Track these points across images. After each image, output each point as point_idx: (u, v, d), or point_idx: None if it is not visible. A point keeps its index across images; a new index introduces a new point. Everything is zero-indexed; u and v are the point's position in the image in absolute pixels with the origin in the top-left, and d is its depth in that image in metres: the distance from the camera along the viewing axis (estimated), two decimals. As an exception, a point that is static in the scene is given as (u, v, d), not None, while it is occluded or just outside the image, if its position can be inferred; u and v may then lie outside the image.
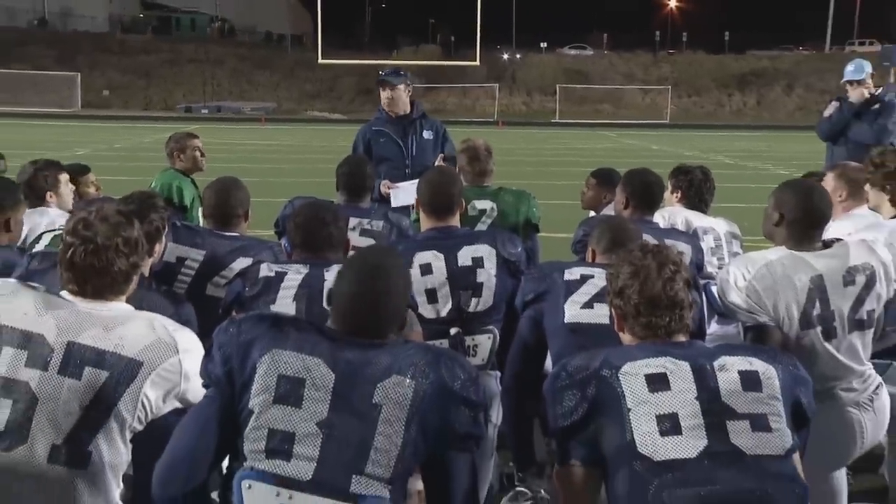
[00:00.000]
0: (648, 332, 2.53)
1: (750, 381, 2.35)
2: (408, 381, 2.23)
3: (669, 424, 2.28)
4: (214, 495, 2.43)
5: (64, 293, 2.60)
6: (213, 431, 2.27)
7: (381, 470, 2.18)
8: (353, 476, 2.17)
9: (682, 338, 2.53)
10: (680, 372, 2.35)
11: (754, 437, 2.29)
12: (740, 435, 2.28)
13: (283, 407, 2.21)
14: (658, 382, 2.33)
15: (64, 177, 4.85)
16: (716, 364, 2.37)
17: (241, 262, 3.72)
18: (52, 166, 4.79)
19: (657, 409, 2.30)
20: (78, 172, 5.40)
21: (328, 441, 2.18)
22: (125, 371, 2.46)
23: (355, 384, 2.23)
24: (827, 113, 8.34)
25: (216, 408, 2.28)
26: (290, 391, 2.21)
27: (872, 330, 3.42)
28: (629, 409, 2.31)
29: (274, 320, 2.37)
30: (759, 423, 2.30)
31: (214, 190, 4.05)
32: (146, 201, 3.55)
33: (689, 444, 2.26)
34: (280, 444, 2.19)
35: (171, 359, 2.50)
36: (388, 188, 5.93)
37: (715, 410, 2.30)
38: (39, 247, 3.81)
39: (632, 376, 2.34)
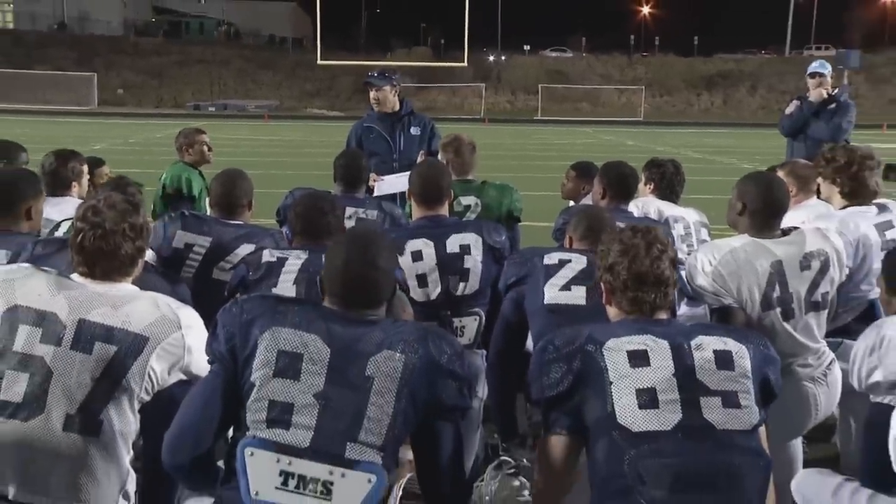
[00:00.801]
0: (635, 307, 2.52)
1: (723, 360, 2.35)
2: (398, 355, 2.24)
3: (648, 398, 2.28)
4: (220, 464, 2.44)
5: (74, 275, 2.61)
6: (217, 403, 2.29)
7: (374, 438, 2.19)
8: (348, 443, 2.18)
9: (664, 315, 2.53)
10: (659, 349, 2.34)
11: (725, 412, 2.29)
12: (712, 410, 2.29)
13: (283, 380, 2.21)
14: (639, 358, 2.33)
15: (85, 167, 4.84)
16: (692, 343, 2.37)
17: (245, 249, 3.71)
18: (77, 157, 4.78)
19: (637, 383, 2.30)
20: (93, 165, 5.36)
21: (324, 411, 2.19)
22: (132, 345, 2.48)
23: (349, 358, 2.23)
24: (788, 111, 8.36)
25: (220, 382, 2.29)
26: (288, 365, 2.22)
27: (827, 311, 3.44)
28: (611, 383, 2.31)
29: (273, 300, 2.38)
30: (730, 400, 2.31)
31: (220, 181, 4.03)
32: (120, 182, 3.71)
33: (665, 418, 2.27)
34: (280, 415, 2.20)
35: (175, 334, 2.51)
36: (374, 180, 5.92)
37: (690, 387, 2.30)
38: (58, 234, 3.79)
39: (615, 352, 2.34)
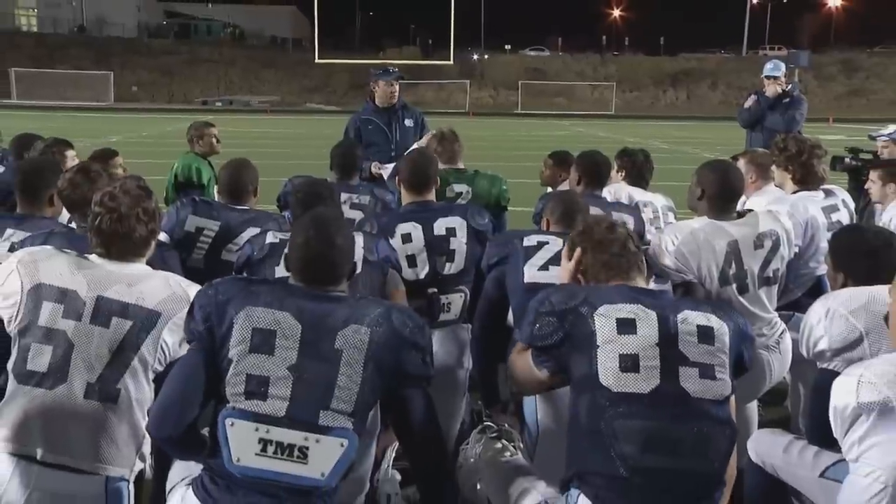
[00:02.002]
0: (619, 264, 2.56)
1: (705, 335, 2.34)
2: (364, 328, 2.24)
3: (630, 363, 2.28)
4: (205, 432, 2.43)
5: (92, 256, 2.61)
6: (198, 379, 2.26)
7: (345, 405, 2.19)
8: (321, 411, 2.18)
9: (642, 281, 2.55)
10: (647, 319, 2.34)
11: (700, 383, 2.29)
12: (688, 380, 2.29)
13: (258, 355, 2.20)
14: (627, 326, 2.32)
15: (71, 153, 4.74)
16: (679, 317, 2.36)
17: (251, 232, 3.69)
18: (60, 143, 4.69)
19: (622, 349, 2.29)
20: (108, 156, 5.29)
21: (298, 382, 2.19)
22: (146, 320, 2.49)
23: (319, 333, 2.22)
24: (746, 105, 8.39)
25: (200, 359, 2.26)
26: (263, 341, 2.21)
27: (777, 285, 3.46)
28: (598, 346, 2.31)
29: (246, 282, 2.36)
30: (706, 372, 2.31)
31: (228, 170, 4.02)
32: (82, 167, 3.56)
33: (644, 382, 2.27)
34: (257, 387, 2.19)
35: (185, 309, 2.49)
36: (379, 169, 5.91)
37: (670, 356, 2.30)
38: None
39: (605, 318, 2.34)
